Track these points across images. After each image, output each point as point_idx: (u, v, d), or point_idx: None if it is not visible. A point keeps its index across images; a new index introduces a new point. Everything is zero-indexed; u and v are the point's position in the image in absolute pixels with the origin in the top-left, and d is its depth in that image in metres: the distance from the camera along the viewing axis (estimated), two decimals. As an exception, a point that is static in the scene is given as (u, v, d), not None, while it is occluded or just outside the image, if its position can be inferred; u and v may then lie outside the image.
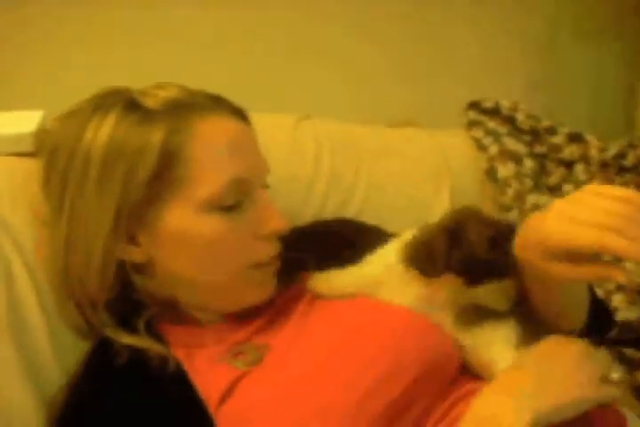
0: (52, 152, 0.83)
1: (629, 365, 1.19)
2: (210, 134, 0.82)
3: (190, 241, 0.81)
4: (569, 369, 0.72)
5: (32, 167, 0.88)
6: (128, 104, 0.82)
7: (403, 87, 1.51)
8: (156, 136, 0.79)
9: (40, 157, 0.86)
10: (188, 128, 0.81)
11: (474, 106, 1.37)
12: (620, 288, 1.22)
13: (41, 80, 1.29)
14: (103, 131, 0.80)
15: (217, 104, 0.85)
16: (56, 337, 0.89)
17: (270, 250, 0.86)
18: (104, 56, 1.32)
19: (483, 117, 1.34)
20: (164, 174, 0.79)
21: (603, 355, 0.75)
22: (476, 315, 0.80)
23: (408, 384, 0.74)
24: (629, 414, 0.81)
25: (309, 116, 1.25)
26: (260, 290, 0.87)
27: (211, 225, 0.81)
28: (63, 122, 0.85)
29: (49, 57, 1.31)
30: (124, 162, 0.79)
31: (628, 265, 1.16)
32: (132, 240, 0.82)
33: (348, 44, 1.47)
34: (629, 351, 1.20)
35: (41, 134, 0.91)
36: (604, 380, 0.73)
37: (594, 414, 0.73)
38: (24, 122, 0.99)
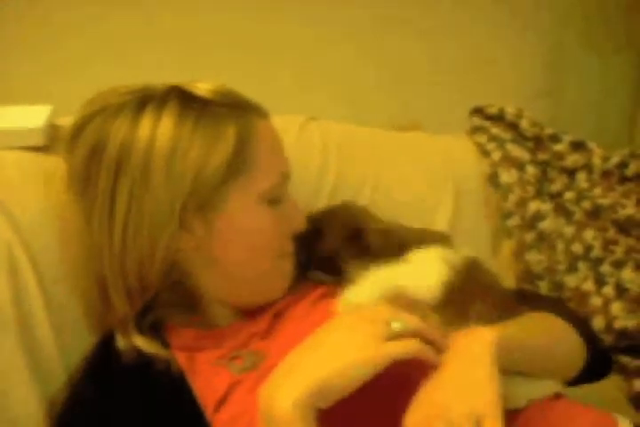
0: (94, 148, 0.83)
1: (625, 373, 1.20)
2: (264, 131, 0.87)
3: (242, 230, 0.85)
4: (342, 338, 0.69)
5: (42, 161, 0.88)
6: (183, 96, 0.83)
7: (406, 93, 1.52)
8: (229, 131, 0.82)
9: (70, 154, 0.86)
10: (251, 123, 0.85)
11: (478, 111, 1.37)
12: (619, 296, 1.23)
13: (50, 75, 1.30)
14: (164, 125, 0.81)
15: (248, 102, 0.88)
16: (60, 333, 0.90)
17: (291, 245, 0.91)
18: (112, 53, 1.34)
19: (486, 123, 1.34)
20: (234, 167, 0.82)
21: (382, 313, 0.72)
22: None
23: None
24: (621, 420, 0.82)
25: (315, 119, 1.26)
26: (282, 281, 0.91)
27: (262, 215, 0.86)
28: (103, 118, 0.84)
29: (58, 53, 1.32)
30: (195, 156, 0.81)
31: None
32: (188, 229, 0.84)
33: (351, 49, 1.48)
34: (626, 359, 1.21)
35: (56, 130, 0.92)
36: (392, 336, 0.69)
37: (583, 418, 0.73)
38: (33, 116, 1.00)
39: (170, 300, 0.89)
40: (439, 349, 0.72)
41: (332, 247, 0.93)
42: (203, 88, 0.85)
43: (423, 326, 0.72)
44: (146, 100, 0.83)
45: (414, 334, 0.70)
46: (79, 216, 0.87)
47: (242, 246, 0.86)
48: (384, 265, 0.85)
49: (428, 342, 0.71)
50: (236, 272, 0.87)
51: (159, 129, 0.81)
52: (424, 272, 0.84)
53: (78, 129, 0.85)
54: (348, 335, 0.69)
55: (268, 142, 0.87)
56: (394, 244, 0.89)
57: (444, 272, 0.83)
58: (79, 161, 0.85)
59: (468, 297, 0.83)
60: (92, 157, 0.84)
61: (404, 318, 0.71)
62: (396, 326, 0.70)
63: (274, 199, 0.86)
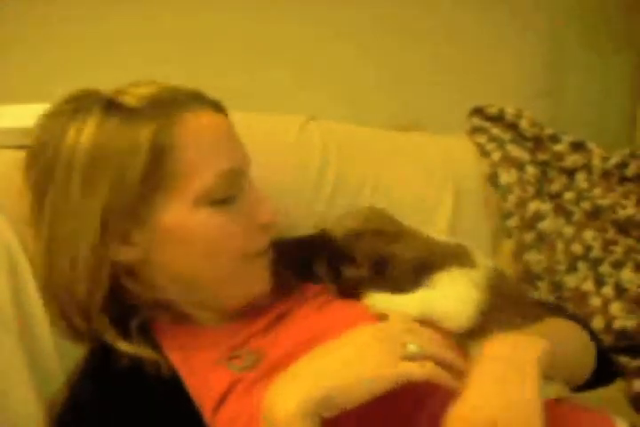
0: (34, 154, 0.83)
1: (625, 373, 1.20)
2: (196, 129, 0.82)
3: (187, 237, 0.81)
4: (356, 352, 0.69)
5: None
6: (108, 105, 0.81)
7: (406, 93, 1.52)
8: (143, 135, 0.78)
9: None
10: (174, 124, 0.80)
11: (478, 112, 1.37)
12: (618, 296, 1.23)
13: (50, 75, 1.30)
14: (85, 133, 0.79)
15: (196, 99, 0.85)
16: (59, 334, 0.89)
17: (262, 240, 0.87)
18: (112, 52, 1.34)
19: (486, 124, 1.34)
20: (155, 172, 0.79)
21: (400, 333, 0.72)
22: None
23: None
24: (620, 421, 0.82)
25: (315, 119, 1.26)
26: (257, 282, 0.88)
27: (206, 219, 0.81)
28: (45, 124, 0.84)
29: (58, 53, 1.32)
30: (111, 163, 0.78)
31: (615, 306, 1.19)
32: (126, 240, 0.82)
33: (351, 49, 1.47)
34: (625, 359, 1.21)
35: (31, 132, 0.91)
36: (407, 357, 0.69)
37: (581, 419, 0.73)
38: (33, 115, 0.99)
39: (151, 303, 0.87)
40: (456, 373, 0.71)
41: (359, 276, 0.89)
42: (131, 93, 0.82)
43: (440, 350, 0.71)
44: (78, 108, 0.82)
45: (430, 358, 0.70)
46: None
47: (194, 253, 0.82)
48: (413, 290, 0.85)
49: (445, 366, 0.70)
50: (201, 280, 0.84)
51: (79, 141, 0.79)
52: (457, 300, 0.83)
53: (34, 134, 0.85)
54: (362, 350, 0.69)
55: (205, 142, 0.82)
56: (417, 271, 0.87)
57: (476, 298, 0.83)
58: (25, 168, 0.85)
59: (493, 311, 0.83)
60: (30, 164, 0.84)
61: (422, 341, 0.71)
62: (412, 348, 0.69)
63: (223, 199, 0.82)
